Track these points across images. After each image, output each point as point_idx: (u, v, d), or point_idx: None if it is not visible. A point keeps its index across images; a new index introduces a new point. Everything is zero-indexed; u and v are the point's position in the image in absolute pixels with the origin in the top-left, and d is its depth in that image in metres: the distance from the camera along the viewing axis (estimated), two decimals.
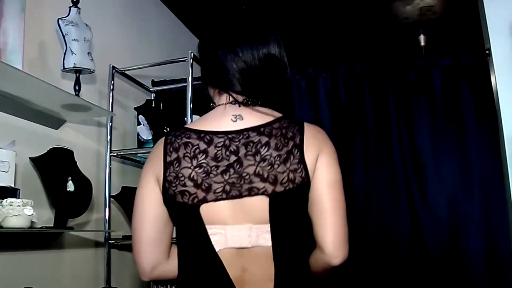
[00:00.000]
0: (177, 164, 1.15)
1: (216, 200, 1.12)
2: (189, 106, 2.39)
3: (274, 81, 1.25)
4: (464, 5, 3.39)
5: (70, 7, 2.10)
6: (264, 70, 1.22)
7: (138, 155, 2.69)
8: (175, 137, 1.19)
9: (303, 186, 1.14)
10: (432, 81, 2.67)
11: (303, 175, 1.13)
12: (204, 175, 1.13)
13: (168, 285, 2.38)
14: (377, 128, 2.70)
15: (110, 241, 2.40)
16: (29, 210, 1.56)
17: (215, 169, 1.13)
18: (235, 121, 1.19)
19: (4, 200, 1.55)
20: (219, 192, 1.12)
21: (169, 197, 1.15)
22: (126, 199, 2.53)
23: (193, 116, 2.42)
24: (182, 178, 1.13)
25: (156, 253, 1.19)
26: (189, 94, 2.40)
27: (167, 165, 1.16)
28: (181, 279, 1.18)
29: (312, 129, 1.24)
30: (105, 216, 2.40)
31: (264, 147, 1.14)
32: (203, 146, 1.16)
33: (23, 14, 1.86)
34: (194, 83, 2.44)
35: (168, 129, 2.58)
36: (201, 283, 1.14)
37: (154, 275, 1.21)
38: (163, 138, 1.22)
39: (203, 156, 1.15)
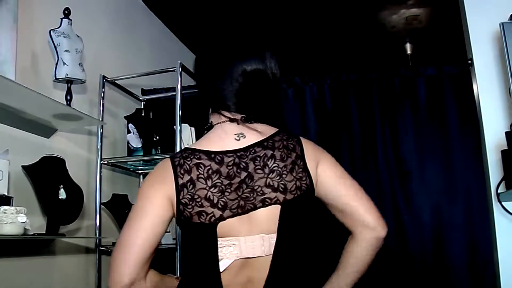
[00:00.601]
0: (191, 186, 1.18)
1: (232, 216, 1.17)
2: (178, 114, 2.44)
3: (268, 98, 1.32)
4: (449, 15, 3.47)
5: (61, 19, 2.15)
6: (258, 88, 1.29)
7: (128, 163, 2.75)
8: (183, 159, 1.22)
9: (308, 192, 1.22)
10: (417, 90, 2.73)
11: (307, 182, 1.22)
12: (219, 194, 1.18)
13: None
14: (363, 136, 2.75)
15: (100, 248, 2.45)
16: (22, 218, 1.60)
17: (229, 187, 1.19)
18: (239, 139, 1.25)
19: None
20: (234, 209, 1.18)
21: (184, 219, 1.18)
22: (116, 206, 2.59)
23: (182, 124, 2.47)
24: (199, 200, 1.17)
25: (142, 269, 1.16)
26: (178, 103, 2.45)
27: (179, 187, 1.18)
28: None
29: (308, 142, 1.33)
30: (95, 223, 2.44)
31: (270, 159, 1.21)
32: (215, 166, 1.20)
33: (16, 25, 1.91)
34: (183, 92, 2.50)
35: (157, 137, 2.63)
36: None
37: None
38: (169, 159, 1.24)
39: (217, 176, 1.19)
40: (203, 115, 1.43)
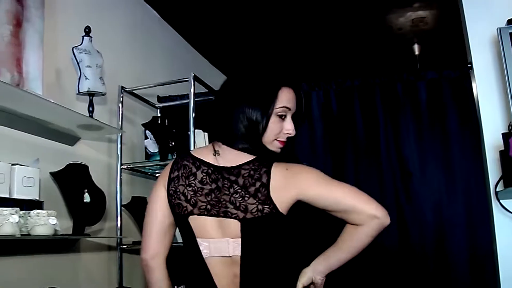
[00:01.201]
0: (176, 181, 1.42)
1: (200, 214, 1.38)
2: (192, 121, 2.60)
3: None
4: (454, 16, 3.54)
5: (83, 36, 2.32)
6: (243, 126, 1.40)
7: (146, 167, 2.92)
8: (180, 159, 1.45)
9: (272, 215, 1.34)
10: (418, 94, 2.83)
11: (271, 207, 1.33)
12: (192, 193, 1.39)
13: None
14: (367, 138, 2.86)
15: (122, 246, 2.63)
16: (53, 220, 1.79)
17: (200, 190, 1.39)
18: (215, 155, 1.42)
19: (32, 211, 1.78)
20: (203, 210, 1.38)
21: (171, 206, 1.43)
22: (136, 207, 2.75)
23: (196, 130, 2.63)
24: (178, 193, 1.40)
25: (159, 244, 1.45)
26: (191, 111, 2.61)
27: (169, 180, 1.43)
28: (186, 277, 1.47)
29: (280, 170, 1.36)
30: (117, 223, 2.63)
31: (234, 183, 1.36)
32: (193, 170, 1.41)
33: (42, 45, 2.09)
34: (196, 99, 2.66)
35: (173, 143, 2.78)
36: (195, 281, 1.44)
37: (153, 263, 1.45)
38: (175, 158, 1.50)
39: (193, 178, 1.40)
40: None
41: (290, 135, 1.44)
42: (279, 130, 1.42)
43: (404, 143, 2.81)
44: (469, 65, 2.66)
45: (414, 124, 2.82)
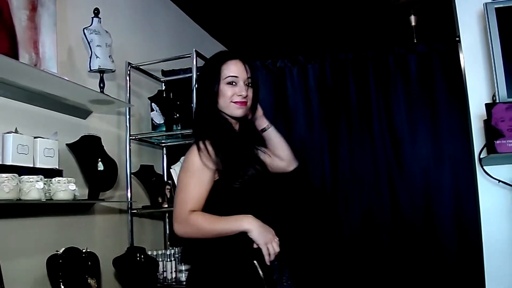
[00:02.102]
0: None
1: None
2: (194, 94, 2.70)
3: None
4: None
5: (92, 18, 2.49)
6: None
7: (153, 137, 3.12)
8: None
9: None
10: (408, 66, 2.95)
11: None
12: None
13: None
14: (360, 109, 3.00)
15: (132, 210, 2.85)
16: (72, 186, 2.01)
17: None
18: None
19: (53, 179, 2.00)
20: None
21: None
22: (144, 175, 2.97)
23: None
24: None
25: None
26: (194, 84, 2.78)
27: None
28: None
29: (188, 152, 1.74)
30: (127, 189, 2.84)
31: None
32: None
33: (55, 27, 2.27)
34: (198, 73, 2.78)
35: (177, 115, 2.96)
36: None
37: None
38: None
39: None
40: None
41: (242, 96, 1.75)
42: (231, 94, 1.75)
43: (395, 113, 2.95)
44: (457, 39, 2.77)
45: (404, 95, 2.94)
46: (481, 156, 2.49)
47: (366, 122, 3.00)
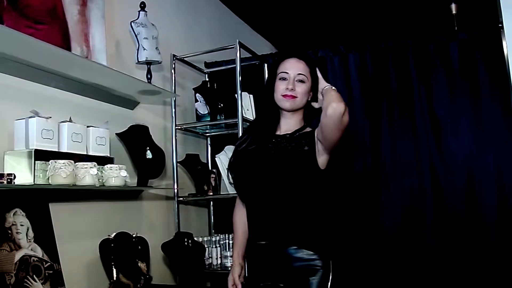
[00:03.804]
0: None
1: None
2: (238, 84, 2.82)
3: None
4: None
5: (139, 11, 2.57)
6: None
7: (197, 127, 3.20)
8: None
9: None
10: (449, 54, 2.95)
11: None
12: None
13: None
14: (401, 97, 3.03)
15: (178, 198, 2.93)
16: (123, 173, 2.10)
17: None
18: None
19: (106, 166, 2.10)
20: None
21: None
22: (189, 163, 3.05)
23: (242, 92, 2.85)
24: None
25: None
26: (238, 77, 2.83)
27: None
28: None
29: None
30: (173, 177, 2.93)
31: None
32: None
33: (104, 21, 2.37)
34: (241, 64, 2.87)
35: (221, 105, 3.02)
36: None
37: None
38: None
39: None
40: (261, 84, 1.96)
41: (289, 89, 1.91)
42: (282, 88, 1.93)
43: (436, 101, 2.96)
44: (500, 25, 2.75)
45: (446, 83, 2.95)
46: None
47: (407, 110, 3.02)
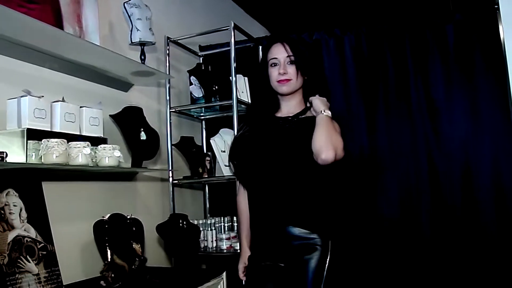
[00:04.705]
0: None
1: None
2: (233, 66, 2.81)
3: None
4: None
5: None
6: None
7: (192, 110, 3.18)
8: None
9: None
10: (446, 36, 2.92)
11: None
12: None
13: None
14: (397, 79, 3.00)
15: (174, 181, 2.93)
16: (117, 153, 2.09)
17: None
18: None
19: (99, 146, 2.08)
20: None
21: None
22: (184, 146, 3.05)
23: (237, 75, 2.84)
24: None
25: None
26: (232, 57, 2.82)
27: None
28: None
29: None
30: (168, 158, 2.93)
31: None
32: None
33: (97, 1, 2.34)
34: (236, 46, 2.86)
35: (216, 87, 3.00)
36: None
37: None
38: None
39: None
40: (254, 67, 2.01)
41: (281, 74, 1.94)
42: (275, 74, 1.96)
43: (432, 83, 2.93)
44: (495, 6, 2.73)
45: (442, 65, 2.92)
46: None
47: (403, 93, 3.00)
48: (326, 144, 1.77)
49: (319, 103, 1.90)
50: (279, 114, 2.02)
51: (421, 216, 2.88)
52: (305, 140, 1.84)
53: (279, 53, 1.96)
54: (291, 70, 1.94)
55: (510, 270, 2.65)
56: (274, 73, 1.96)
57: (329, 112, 1.86)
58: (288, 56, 1.94)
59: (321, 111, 1.86)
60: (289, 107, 2.01)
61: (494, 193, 2.76)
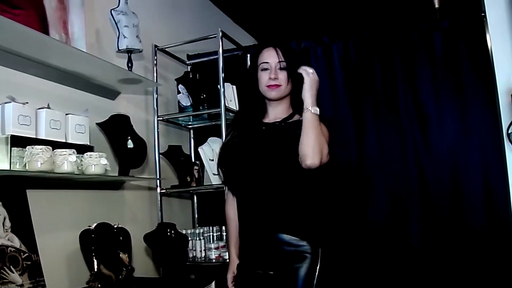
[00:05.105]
0: None
1: None
2: (221, 74, 2.79)
3: None
4: None
5: None
6: None
7: (180, 119, 3.16)
8: None
9: None
10: (433, 42, 2.94)
11: None
12: None
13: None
14: (385, 86, 3.01)
15: (162, 190, 2.90)
16: (103, 160, 2.05)
17: None
18: None
19: (85, 153, 2.05)
20: None
21: None
22: (172, 155, 3.01)
23: (225, 83, 2.82)
24: None
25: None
26: (221, 65, 2.80)
27: None
28: None
29: None
30: (156, 168, 2.89)
31: None
32: None
33: (83, 8, 2.32)
34: (224, 55, 2.84)
35: (204, 95, 2.98)
36: None
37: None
38: None
39: None
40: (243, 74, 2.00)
41: (272, 78, 1.90)
42: (265, 79, 1.92)
43: (420, 90, 2.94)
44: (482, 14, 2.75)
45: (430, 72, 2.94)
46: (509, 131, 2.51)
47: (392, 100, 3.01)
48: (313, 150, 1.74)
49: (308, 95, 1.82)
50: (266, 120, 1.99)
51: (411, 222, 2.86)
52: (293, 145, 1.81)
53: (271, 57, 1.93)
54: (282, 76, 1.91)
55: (500, 274, 2.65)
56: (264, 78, 1.93)
57: (317, 109, 1.81)
58: (280, 61, 1.91)
59: (309, 108, 1.80)
60: (276, 113, 1.98)
61: (484, 198, 2.76)
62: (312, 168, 1.75)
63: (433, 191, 2.86)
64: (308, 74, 1.85)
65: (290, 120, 1.94)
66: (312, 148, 1.75)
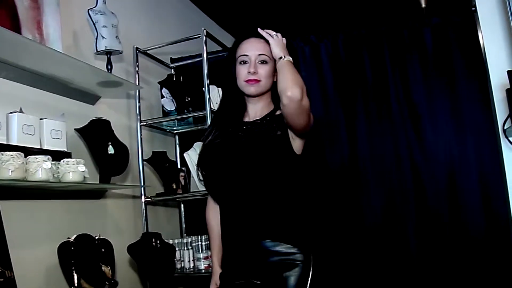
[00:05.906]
0: None
1: None
2: (206, 75, 2.69)
3: None
4: None
5: None
6: None
7: (164, 123, 3.05)
8: None
9: None
10: (424, 39, 2.88)
11: None
12: None
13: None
14: (376, 85, 2.94)
15: (146, 199, 2.78)
16: (82, 167, 1.93)
17: None
18: None
19: (62, 160, 1.92)
20: None
21: None
22: (157, 161, 2.90)
23: (210, 85, 2.72)
24: None
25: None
26: (205, 67, 2.70)
27: None
28: None
29: None
30: (140, 176, 2.77)
31: None
32: None
33: (59, 9, 2.20)
34: (208, 57, 2.74)
35: (189, 98, 2.88)
36: None
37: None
38: None
39: None
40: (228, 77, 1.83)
41: (250, 73, 1.74)
42: (243, 73, 1.76)
43: (412, 88, 2.89)
44: (473, 8, 2.70)
45: (421, 69, 2.89)
46: (505, 127, 2.44)
47: (383, 98, 2.95)
48: (292, 82, 1.58)
49: (277, 49, 1.69)
50: (246, 119, 1.84)
51: (406, 223, 2.80)
52: (275, 146, 1.71)
53: (251, 49, 1.77)
54: (262, 70, 1.75)
55: (497, 274, 2.59)
56: (243, 72, 1.76)
57: (290, 58, 1.67)
58: (261, 54, 1.75)
59: (282, 57, 1.66)
60: (257, 110, 1.83)
61: (480, 196, 2.71)
62: (295, 100, 1.57)
63: (428, 191, 2.80)
64: (272, 36, 1.72)
65: (271, 116, 1.80)
66: (290, 80, 1.59)
